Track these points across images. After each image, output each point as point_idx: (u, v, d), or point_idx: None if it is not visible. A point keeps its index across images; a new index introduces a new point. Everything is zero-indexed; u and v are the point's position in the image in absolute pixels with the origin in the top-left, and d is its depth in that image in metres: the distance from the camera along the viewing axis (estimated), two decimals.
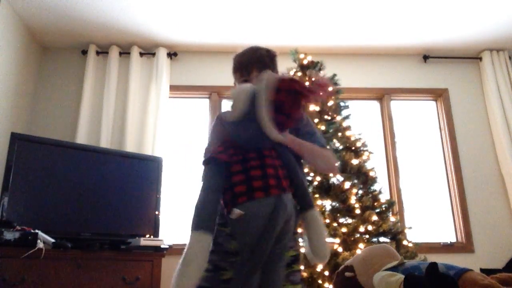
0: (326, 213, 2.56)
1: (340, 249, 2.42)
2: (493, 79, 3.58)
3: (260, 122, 1.09)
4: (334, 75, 3.03)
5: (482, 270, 3.01)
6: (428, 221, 3.40)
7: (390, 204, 2.67)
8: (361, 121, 3.43)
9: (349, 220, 2.56)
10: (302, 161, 1.43)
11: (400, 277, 1.16)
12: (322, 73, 3.04)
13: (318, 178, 2.65)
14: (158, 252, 2.53)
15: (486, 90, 3.66)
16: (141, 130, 3.32)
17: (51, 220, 2.48)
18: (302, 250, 1.50)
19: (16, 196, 2.39)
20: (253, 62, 1.50)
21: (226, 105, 3.62)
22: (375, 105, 3.76)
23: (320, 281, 2.36)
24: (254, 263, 1.03)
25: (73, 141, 3.16)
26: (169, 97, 3.48)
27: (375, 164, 2.80)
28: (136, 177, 2.88)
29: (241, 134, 1.16)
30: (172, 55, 3.58)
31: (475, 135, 3.59)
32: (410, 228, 2.70)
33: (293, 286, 1.31)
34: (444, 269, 1.17)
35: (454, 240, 3.37)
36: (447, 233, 3.39)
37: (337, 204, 2.61)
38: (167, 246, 2.63)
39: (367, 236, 2.50)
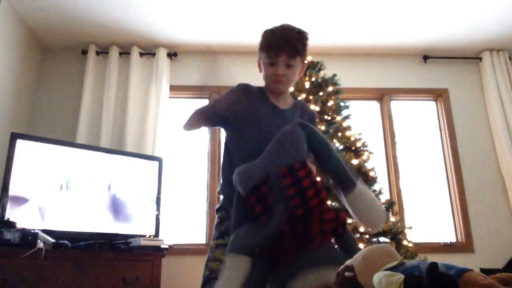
0: None
1: None
2: (493, 79, 3.58)
3: None
4: (334, 75, 3.03)
5: (482, 270, 3.01)
6: (428, 221, 3.40)
7: (390, 204, 2.66)
8: (361, 121, 3.42)
9: (349, 220, 2.56)
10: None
11: (400, 277, 1.16)
12: (322, 73, 3.04)
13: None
14: (158, 252, 2.52)
15: (486, 90, 3.66)
16: (141, 130, 3.32)
17: (51, 220, 2.48)
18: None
19: (16, 196, 2.39)
20: (282, 44, 1.42)
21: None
22: (375, 105, 3.76)
23: None
24: None
25: (73, 141, 3.16)
26: (169, 97, 3.48)
27: (375, 164, 2.80)
28: (136, 177, 2.88)
29: None
30: (172, 55, 3.58)
31: (475, 135, 3.59)
32: (410, 228, 2.70)
33: None
34: (444, 269, 1.16)
35: (454, 240, 3.37)
36: (447, 233, 3.39)
37: (337, 204, 2.61)
38: (167, 246, 2.63)
39: (367, 236, 2.50)
